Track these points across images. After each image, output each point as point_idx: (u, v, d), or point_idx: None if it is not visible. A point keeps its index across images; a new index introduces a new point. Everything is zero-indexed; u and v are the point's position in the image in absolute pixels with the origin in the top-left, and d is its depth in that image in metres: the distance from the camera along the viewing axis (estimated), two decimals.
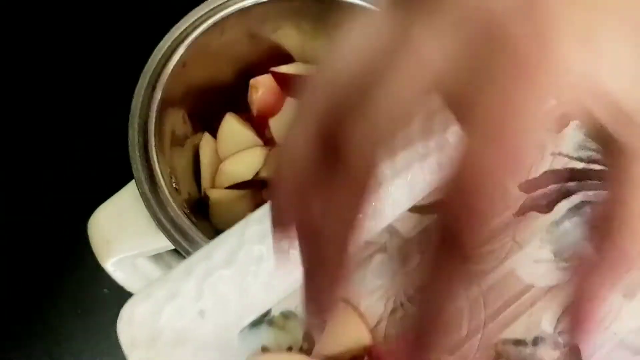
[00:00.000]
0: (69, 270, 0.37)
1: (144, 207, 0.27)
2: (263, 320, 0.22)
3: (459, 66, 0.12)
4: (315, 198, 0.14)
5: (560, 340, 0.22)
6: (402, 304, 0.23)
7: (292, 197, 0.15)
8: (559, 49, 0.12)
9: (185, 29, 0.29)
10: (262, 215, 0.20)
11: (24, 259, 0.37)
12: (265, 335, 0.22)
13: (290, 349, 0.22)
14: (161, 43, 0.29)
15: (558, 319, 0.22)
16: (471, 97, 0.12)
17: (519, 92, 0.12)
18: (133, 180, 0.27)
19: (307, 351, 0.22)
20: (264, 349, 0.22)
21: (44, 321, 0.36)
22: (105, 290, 0.36)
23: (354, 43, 0.13)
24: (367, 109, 0.13)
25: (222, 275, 0.20)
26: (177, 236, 0.27)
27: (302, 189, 0.14)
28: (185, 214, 0.27)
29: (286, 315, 0.22)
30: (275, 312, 0.22)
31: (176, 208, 0.27)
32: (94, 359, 0.36)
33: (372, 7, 0.30)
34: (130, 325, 0.19)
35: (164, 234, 0.27)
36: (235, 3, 0.30)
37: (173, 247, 0.27)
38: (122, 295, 0.35)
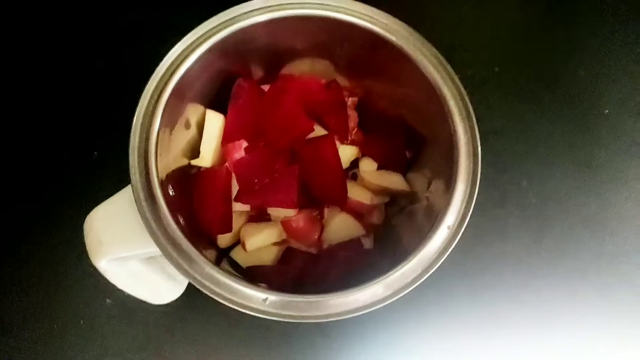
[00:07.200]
0: (71, 280, 0.37)
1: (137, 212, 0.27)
2: None
3: None
4: None
5: None
6: None
7: None
8: None
9: (192, 43, 0.29)
10: None
11: (25, 268, 0.38)
12: None
13: None
14: (173, 50, 0.29)
15: None
16: None
17: None
18: (130, 185, 0.27)
19: None
20: None
21: (47, 331, 0.36)
22: (107, 300, 0.37)
23: None
24: None
25: None
26: (167, 245, 0.27)
27: None
28: (178, 223, 0.27)
29: None
30: None
31: (169, 217, 0.27)
32: None
33: (388, 36, 0.29)
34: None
35: (154, 241, 0.27)
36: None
37: None
38: (124, 306, 0.36)
